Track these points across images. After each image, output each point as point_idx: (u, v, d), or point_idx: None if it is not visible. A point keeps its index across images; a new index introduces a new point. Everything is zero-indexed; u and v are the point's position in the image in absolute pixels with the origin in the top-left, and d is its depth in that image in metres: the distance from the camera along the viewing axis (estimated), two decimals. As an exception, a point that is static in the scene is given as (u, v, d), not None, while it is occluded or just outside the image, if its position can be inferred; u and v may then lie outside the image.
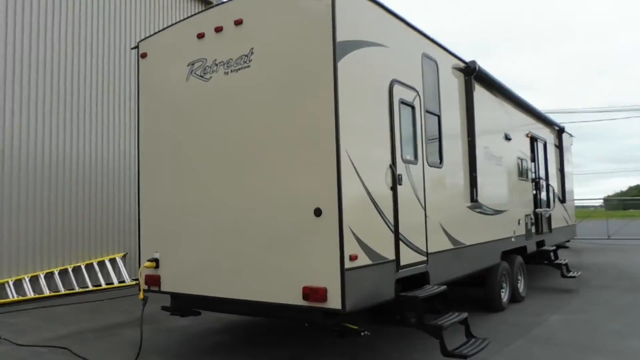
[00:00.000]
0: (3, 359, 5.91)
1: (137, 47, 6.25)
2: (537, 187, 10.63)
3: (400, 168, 5.28)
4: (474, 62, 7.19)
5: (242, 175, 5.11)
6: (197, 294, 5.41)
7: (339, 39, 4.50)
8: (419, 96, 5.82)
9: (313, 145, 4.55)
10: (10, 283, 9.30)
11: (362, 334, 4.77)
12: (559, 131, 12.68)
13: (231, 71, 5.23)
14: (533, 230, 9.88)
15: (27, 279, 9.56)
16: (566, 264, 10.48)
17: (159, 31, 6.08)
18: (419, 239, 5.54)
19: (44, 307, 8.96)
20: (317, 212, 4.48)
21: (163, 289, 5.72)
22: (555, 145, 12.53)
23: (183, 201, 5.61)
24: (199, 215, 5.43)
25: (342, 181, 4.37)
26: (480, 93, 7.67)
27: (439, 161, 6.25)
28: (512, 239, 8.67)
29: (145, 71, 6.12)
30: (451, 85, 6.83)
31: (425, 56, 6.12)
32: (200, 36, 5.52)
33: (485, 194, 7.57)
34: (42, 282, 9.80)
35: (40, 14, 10.27)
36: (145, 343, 6.43)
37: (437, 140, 6.28)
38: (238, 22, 5.19)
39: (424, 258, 5.63)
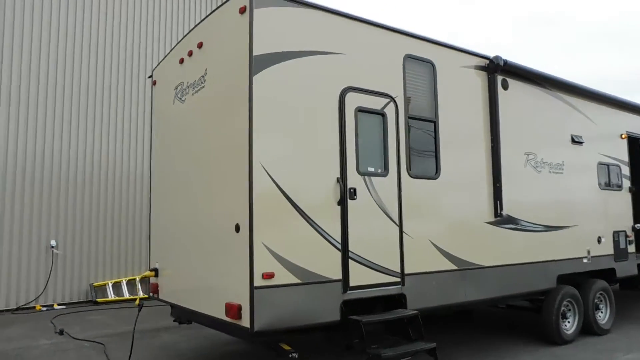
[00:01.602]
0: (51, 348, 6.96)
1: (151, 76, 6.88)
2: (645, 197, 8.79)
3: (355, 181, 4.93)
4: (498, 58, 6.31)
5: (192, 193, 5.34)
6: (175, 303, 5.73)
7: (256, 52, 4.44)
8: (395, 102, 5.36)
9: (233, 162, 4.56)
10: (110, 285, 10.81)
11: (290, 355, 4.57)
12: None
13: (195, 92, 5.48)
14: (631, 249, 8.17)
15: (124, 282, 11.02)
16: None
17: (163, 59, 6.62)
18: (386, 257, 5.08)
19: (127, 307, 10.20)
20: (237, 228, 4.46)
21: (160, 297, 6.17)
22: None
23: (168, 217, 6.01)
24: (176, 231, 5.77)
25: (254, 196, 4.29)
26: (517, 92, 6.68)
27: (433, 172, 5.64)
28: (584, 260, 7.30)
29: (155, 98, 6.70)
30: (462, 86, 6.11)
31: (411, 58, 5.60)
32: (181, 61, 5.88)
33: (526, 207, 6.55)
34: (138, 285, 11.18)
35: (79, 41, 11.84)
36: (169, 346, 6.99)
37: (433, 149, 5.68)
38: (199, 45, 5.43)
39: (397, 279, 5.14)
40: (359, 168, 4.98)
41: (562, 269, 6.92)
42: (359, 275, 4.86)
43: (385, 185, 5.17)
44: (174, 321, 6.31)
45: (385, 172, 5.18)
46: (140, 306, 6.05)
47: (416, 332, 5.00)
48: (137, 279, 11.23)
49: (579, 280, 7.46)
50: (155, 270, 6.25)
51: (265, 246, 4.31)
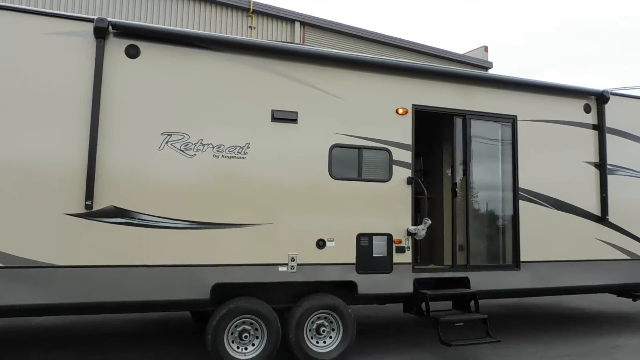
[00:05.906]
0: None
1: None
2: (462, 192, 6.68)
3: None
4: (101, 20, 5.26)
5: None
6: None
7: None
8: None
9: None
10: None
11: None
12: (600, 99, 7.36)
13: None
14: (403, 259, 6.19)
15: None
16: (484, 321, 6.18)
17: None
18: None
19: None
20: None
21: None
22: (593, 126, 7.36)
23: None
24: None
25: None
26: (156, 60, 5.51)
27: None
28: (282, 269, 5.75)
29: None
30: (49, 56, 5.21)
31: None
32: None
33: (158, 197, 5.39)
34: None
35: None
36: None
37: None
38: None
39: None
40: None
41: (223, 277, 5.52)
42: None
43: None
44: None
45: None
46: None
47: None
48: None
49: (290, 294, 5.92)
50: None
51: None
